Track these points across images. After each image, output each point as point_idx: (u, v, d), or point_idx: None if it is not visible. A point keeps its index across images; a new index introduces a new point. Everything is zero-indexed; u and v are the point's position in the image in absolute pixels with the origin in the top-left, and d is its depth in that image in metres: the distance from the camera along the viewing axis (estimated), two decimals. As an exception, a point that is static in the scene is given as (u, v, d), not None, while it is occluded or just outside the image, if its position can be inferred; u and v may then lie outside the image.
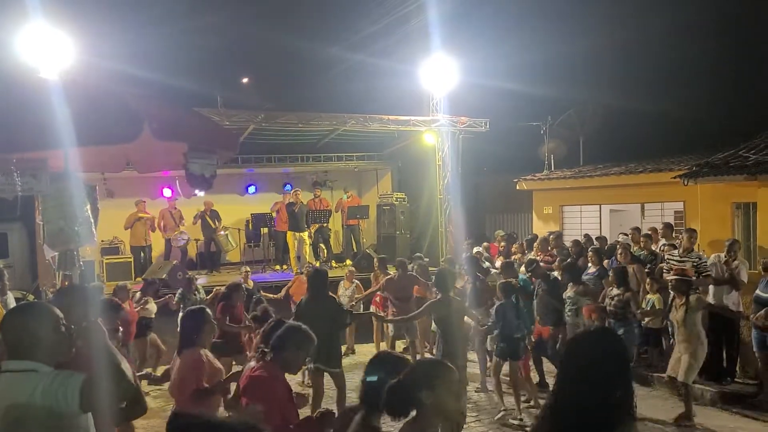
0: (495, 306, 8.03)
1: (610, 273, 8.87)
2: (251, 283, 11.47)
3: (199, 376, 4.54)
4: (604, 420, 2.24)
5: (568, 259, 10.75)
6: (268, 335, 4.71)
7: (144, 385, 6.80)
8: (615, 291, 8.41)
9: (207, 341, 4.82)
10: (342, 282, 11.60)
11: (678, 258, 9.14)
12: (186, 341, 4.71)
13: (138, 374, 5.80)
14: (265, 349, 4.22)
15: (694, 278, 7.96)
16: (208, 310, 4.97)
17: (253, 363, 4.61)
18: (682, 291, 7.39)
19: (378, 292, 10.91)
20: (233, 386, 4.72)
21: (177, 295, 10.20)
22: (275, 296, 11.65)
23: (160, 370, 8.16)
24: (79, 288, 4.68)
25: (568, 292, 8.85)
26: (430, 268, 11.25)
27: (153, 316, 10.05)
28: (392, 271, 10.93)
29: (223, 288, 10.89)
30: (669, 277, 8.09)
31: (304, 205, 14.73)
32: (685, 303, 7.32)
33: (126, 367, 4.19)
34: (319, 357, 6.90)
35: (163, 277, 11.82)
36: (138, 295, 10.06)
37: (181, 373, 4.59)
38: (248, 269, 11.96)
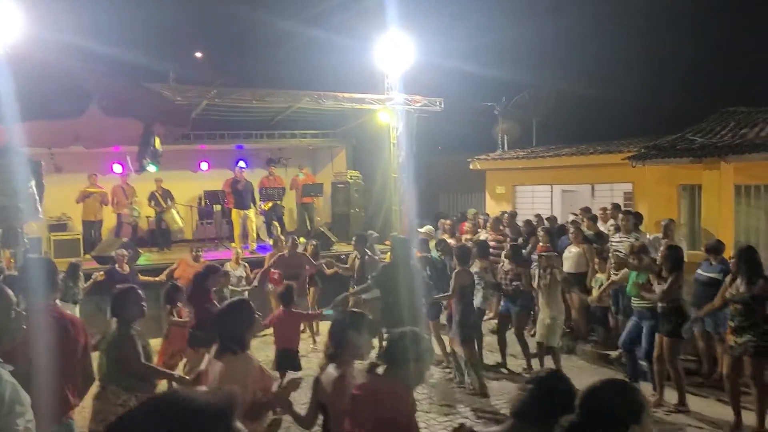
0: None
1: (507, 247, 9.48)
2: (127, 269, 10.43)
3: (255, 387, 3.87)
4: None
5: (519, 239, 10.96)
6: (338, 335, 3.89)
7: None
8: (507, 266, 8.98)
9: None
10: (228, 263, 10.99)
11: (618, 239, 9.48)
12: (231, 342, 3.93)
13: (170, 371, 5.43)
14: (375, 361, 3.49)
15: (555, 254, 9.18)
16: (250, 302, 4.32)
17: (331, 370, 3.83)
18: (546, 265, 8.49)
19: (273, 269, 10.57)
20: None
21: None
22: (155, 279, 10.83)
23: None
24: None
25: (474, 267, 9.12)
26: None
27: None
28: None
29: (101, 275, 10.15)
30: (539, 252, 9.16)
31: (248, 183, 14.54)
32: (549, 274, 8.39)
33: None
34: (409, 322, 7.43)
35: (112, 254, 11.55)
36: None
37: (230, 383, 3.72)
38: (125, 252, 10.65)
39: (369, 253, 10.15)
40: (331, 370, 3.82)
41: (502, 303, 9.30)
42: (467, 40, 18.45)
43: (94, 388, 4.69)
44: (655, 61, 19.29)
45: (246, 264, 11.36)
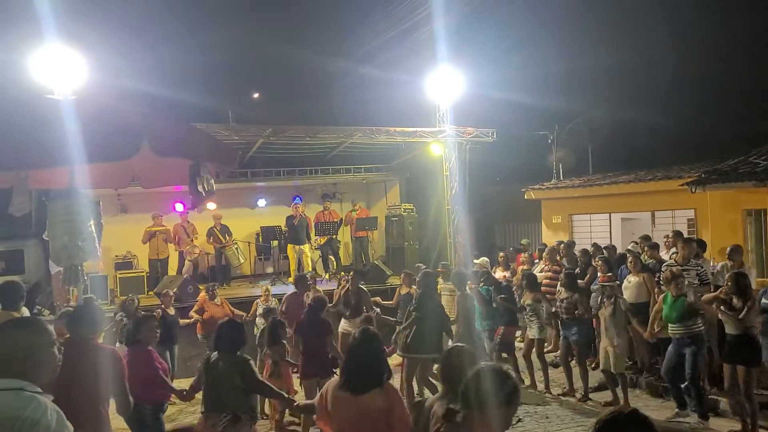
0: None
1: (562, 276, 9.50)
2: (172, 310, 10.42)
3: (405, 414, 3.93)
4: None
5: (576, 270, 10.73)
6: (446, 372, 3.91)
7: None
8: (564, 294, 9.00)
9: None
10: (258, 300, 11.14)
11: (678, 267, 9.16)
12: (366, 377, 3.96)
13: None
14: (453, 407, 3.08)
15: (617, 284, 9.31)
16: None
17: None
18: (610, 295, 8.52)
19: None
20: None
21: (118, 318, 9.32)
22: (188, 321, 10.78)
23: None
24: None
25: (527, 300, 9.49)
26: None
27: None
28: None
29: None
30: (601, 283, 9.40)
31: (303, 218, 14.78)
32: (613, 304, 8.39)
33: None
34: (436, 349, 7.79)
35: (174, 291, 11.85)
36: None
37: (396, 411, 3.88)
38: (172, 293, 10.75)
39: (363, 287, 10.51)
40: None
41: (561, 331, 9.26)
42: (518, 69, 18.35)
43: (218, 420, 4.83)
44: (715, 82, 18.72)
45: (276, 300, 11.42)
